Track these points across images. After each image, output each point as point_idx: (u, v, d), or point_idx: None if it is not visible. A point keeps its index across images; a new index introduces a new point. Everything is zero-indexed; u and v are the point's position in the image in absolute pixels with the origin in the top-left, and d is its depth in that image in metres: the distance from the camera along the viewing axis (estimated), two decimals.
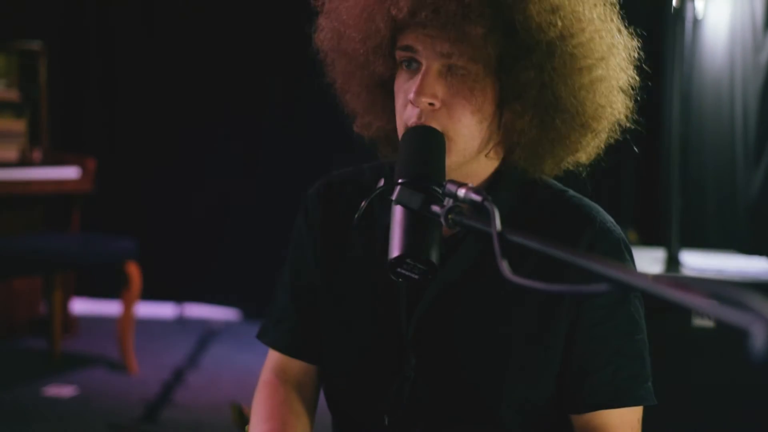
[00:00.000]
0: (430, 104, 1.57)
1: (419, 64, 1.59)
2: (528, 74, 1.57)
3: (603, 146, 1.70)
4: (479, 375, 1.67)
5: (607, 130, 1.67)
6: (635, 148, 1.74)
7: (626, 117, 1.67)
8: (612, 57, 1.62)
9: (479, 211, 1.35)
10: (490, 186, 1.68)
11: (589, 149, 1.69)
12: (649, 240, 4.42)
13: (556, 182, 1.76)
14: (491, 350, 1.66)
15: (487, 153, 1.65)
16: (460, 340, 1.68)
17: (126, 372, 5.36)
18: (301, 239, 1.85)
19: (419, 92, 1.56)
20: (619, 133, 1.69)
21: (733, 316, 0.95)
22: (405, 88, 1.61)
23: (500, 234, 1.26)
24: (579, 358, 1.66)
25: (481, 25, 1.52)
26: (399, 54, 1.61)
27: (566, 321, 1.65)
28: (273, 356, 1.90)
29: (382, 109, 1.72)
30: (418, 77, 1.58)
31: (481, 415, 1.68)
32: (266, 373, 1.89)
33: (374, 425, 1.72)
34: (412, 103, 1.57)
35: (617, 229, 1.70)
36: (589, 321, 1.65)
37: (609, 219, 1.71)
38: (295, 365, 1.87)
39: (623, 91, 1.66)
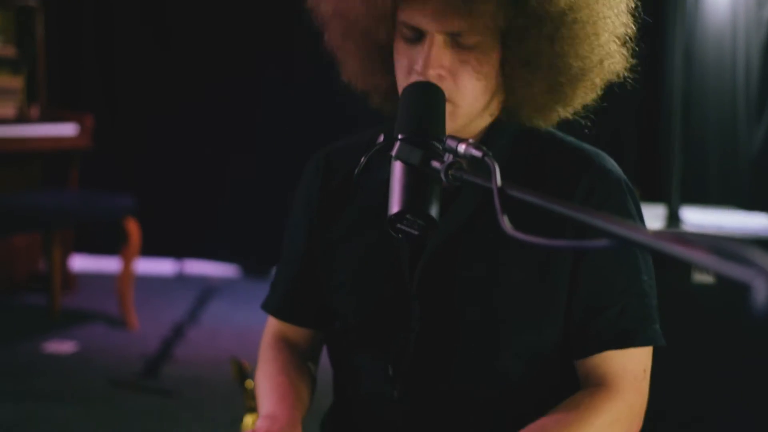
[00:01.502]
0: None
1: (424, 33, 1.58)
2: (537, 44, 1.58)
3: (600, 92, 1.70)
4: (482, 323, 1.67)
5: (606, 80, 1.68)
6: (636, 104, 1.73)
7: (627, 71, 1.67)
8: (614, 15, 1.62)
9: (479, 165, 1.34)
10: (487, 136, 1.67)
11: (587, 99, 1.69)
12: (649, 196, 4.41)
13: (552, 129, 1.75)
14: (493, 298, 1.66)
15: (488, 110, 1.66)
16: (462, 289, 1.68)
17: (126, 328, 5.38)
18: (298, 208, 1.86)
19: (427, 65, 1.57)
20: (619, 89, 1.69)
21: (734, 271, 0.95)
22: (409, 57, 1.61)
23: (501, 189, 1.25)
24: (583, 299, 1.65)
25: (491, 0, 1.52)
26: (404, 31, 1.60)
27: (569, 264, 1.64)
28: (272, 323, 1.92)
29: (380, 69, 1.72)
30: (424, 48, 1.57)
31: (485, 364, 1.68)
32: (267, 337, 1.91)
33: (379, 377, 1.73)
34: (418, 74, 1.57)
35: (618, 170, 1.70)
36: (592, 263, 1.64)
37: (609, 160, 1.70)
38: (294, 331, 1.89)
39: (624, 46, 1.66)
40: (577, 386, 1.69)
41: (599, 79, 1.67)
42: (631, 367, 1.65)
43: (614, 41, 1.65)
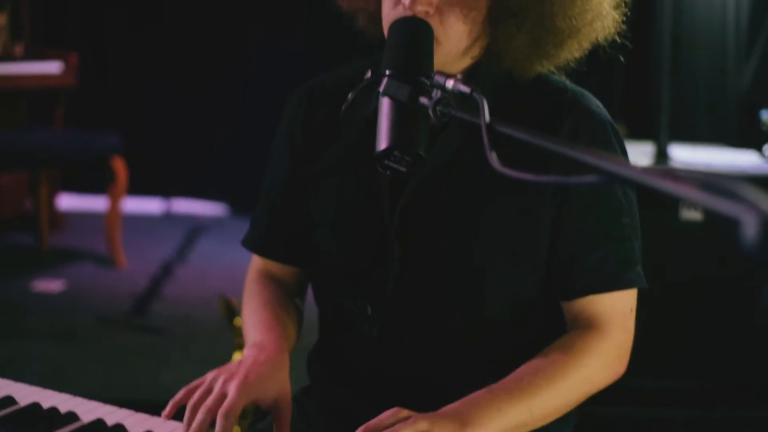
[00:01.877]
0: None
1: None
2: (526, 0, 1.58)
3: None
4: (464, 264, 1.67)
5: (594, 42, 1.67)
6: (626, 43, 1.72)
7: (616, 22, 1.66)
8: None
9: (466, 102, 1.34)
10: (468, 77, 1.66)
11: (571, 57, 1.68)
12: (638, 134, 4.40)
13: None
14: (475, 237, 1.66)
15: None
16: (444, 229, 1.67)
17: (114, 267, 5.38)
18: (280, 144, 1.84)
19: (415, 0, 1.54)
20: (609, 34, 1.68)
21: (723, 206, 0.94)
22: None
23: (489, 125, 1.25)
24: (566, 243, 1.65)
25: None
26: None
27: (552, 207, 1.64)
28: (256, 261, 1.91)
29: None
30: None
31: (466, 306, 1.68)
32: (252, 274, 1.90)
33: (359, 317, 1.73)
34: (405, 7, 1.55)
35: (603, 111, 1.69)
36: (574, 206, 1.64)
37: (594, 102, 1.69)
38: (278, 268, 1.88)
39: (617, 9, 1.66)
40: (558, 328, 1.69)
41: (587, 42, 1.66)
42: (618, 308, 1.67)
43: (606, 2, 1.64)
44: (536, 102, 1.68)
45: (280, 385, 1.57)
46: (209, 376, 1.55)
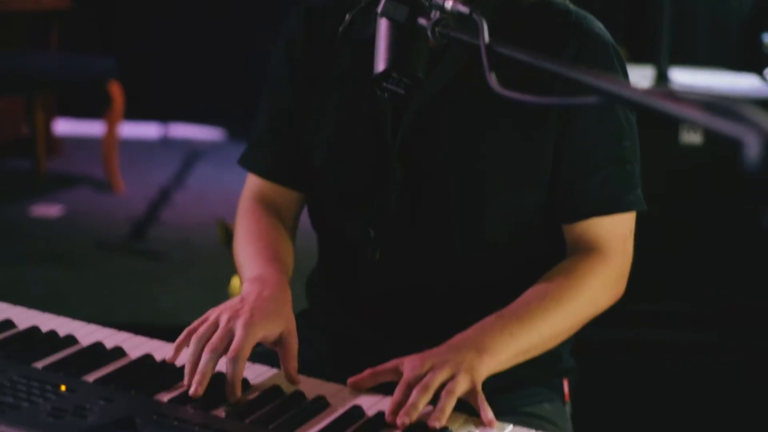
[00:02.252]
0: None
1: None
2: None
3: None
4: (466, 186, 1.66)
5: None
6: None
7: None
8: None
9: (466, 23, 1.32)
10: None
11: None
12: (638, 57, 4.37)
13: None
14: (477, 160, 1.65)
15: None
16: (445, 150, 1.66)
17: (112, 191, 5.37)
18: (280, 63, 1.80)
19: None
20: None
21: (726, 126, 0.93)
22: None
23: (488, 46, 1.23)
24: (568, 166, 1.65)
25: None
26: None
27: (554, 129, 1.63)
28: (252, 182, 1.87)
29: None
30: None
31: (468, 226, 1.68)
32: (246, 200, 1.86)
33: (361, 239, 1.72)
34: None
35: (606, 34, 1.67)
36: (576, 129, 1.64)
37: (597, 24, 1.67)
38: (274, 190, 1.85)
39: None
40: (558, 251, 1.70)
41: None
42: (618, 231, 1.67)
43: None
44: (538, 24, 1.66)
45: (285, 320, 1.53)
46: (212, 313, 1.50)
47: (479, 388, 1.45)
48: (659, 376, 3.39)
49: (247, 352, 1.43)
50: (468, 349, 1.50)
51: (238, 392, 1.39)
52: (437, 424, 1.36)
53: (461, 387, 1.43)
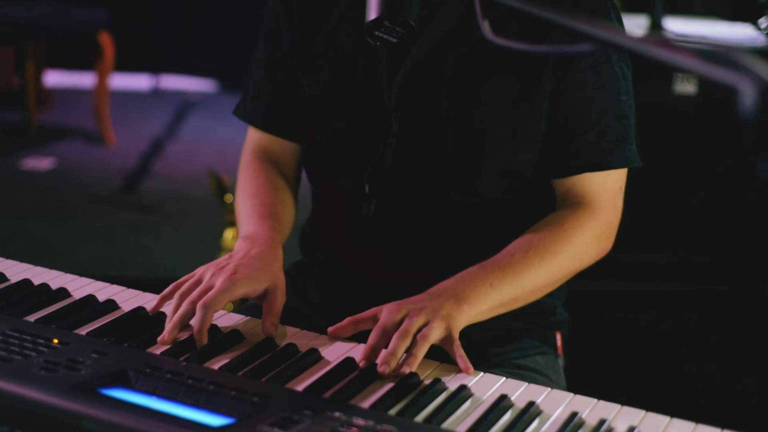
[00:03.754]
0: None
1: None
2: None
3: None
4: (461, 140, 1.65)
5: None
6: None
7: None
8: None
9: None
10: None
11: None
12: (631, 7, 4.34)
13: None
14: (473, 113, 1.64)
15: None
16: (442, 104, 1.65)
17: (103, 144, 5.35)
18: (277, 13, 1.78)
19: None
20: None
21: (721, 74, 0.92)
22: None
23: None
24: (563, 120, 1.64)
25: None
26: None
27: (550, 83, 1.62)
28: (252, 135, 1.86)
29: None
30: None
31: (462, 180, 1.67)
32: (247, 154, 1.85)
33: (355, 193, 1.72)
34: None
35: None
36: (573, 83, 1.62)
37: None
38: (275, 143, 1.84)
39: None
40: (553, 204, 1.69)
41: None
42: (609, 186, 1.66)
43: None
44: None
45: (271, 277, 1.54)
46: (200, 270, 1.54)
47: (455, 335, 1.45)
48: (651, 329, 3.41)
49: (220, 304, 1.46)
50: (447, 297, 1.50)
51: (204, 339, 1.41)
52: (407, 370, 1.36)
53: (436, 333, 1.43)
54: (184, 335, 1.43)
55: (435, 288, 1.53)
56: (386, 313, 1.45)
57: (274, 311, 1.51)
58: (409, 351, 1.40)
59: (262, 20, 1.82)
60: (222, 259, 1.57)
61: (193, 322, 1.42)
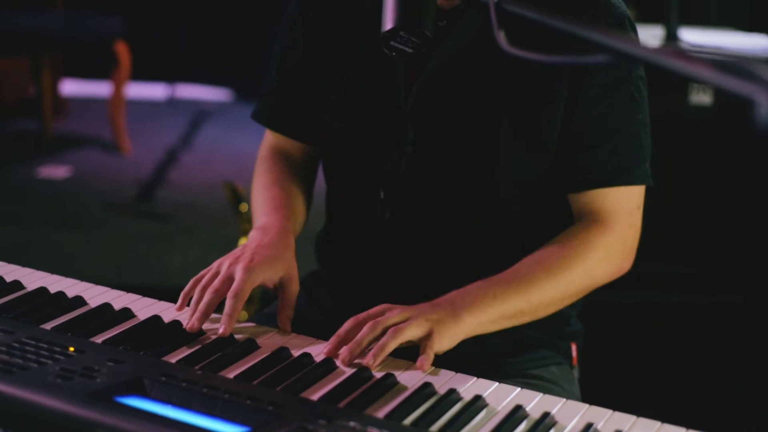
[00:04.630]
0: None
1: None
2: None
3: None
4: (476, 149, 1.66)
5: None
6: None
7: None
8: None
9: None
10: None
11: None
12: (647, 17, 4.34)
13: None
14: (489, 124, 1.64)
15: None
16: (458, 113, 1.66)
17: (119, 152, 5.36)
18: (293, 17, 1.79)
19: None
20: None
21: (737, 84, 0.92)
22: None
23: (497, 4, 1.22)
24: (577, 135, 1.64)
25: None
26: None
27: (565, 96, 1.62)
28: (268, 137, 1.90)
29: None
30: None
31: (476, 189, 1.68)
32: (263, 150, 1.90)
33: (370, 200, 1.72)
34: None
35: (622, 5, 1.66)
36: (588, 98, 1.62)
37: None
38: (290, 145, 1.87)
39: None
40: (565, 221, 1.69)
41: None
42: (624, 204, 1.66)
43: None
44: None
45: (285, 265, 1.59)
46: (215, 263, 1.58)
47: (437, 340, 1.45)
48: (667, 340, 3.40)
49: (247, 291, 1.51)
50: (443, 305, 1.51)
51: (232, 326, 1.46)
52: (369, 360, 1.38)
53: (412, 330, 1.44)
54: (197, 345, 1.44)
55: (438, 299, 1.54)
56: (371, 309, 1.48)
57: (289, 304, 1.57)
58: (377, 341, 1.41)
59: (280, 24, 1.83)
60: (236, 250, 1.61)
61: (224, 309, 1.47)
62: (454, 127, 1.66)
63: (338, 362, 1.40)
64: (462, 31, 1.63)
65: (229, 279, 1.52)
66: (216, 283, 1.52)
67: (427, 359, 1.42)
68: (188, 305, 1.54)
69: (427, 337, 1.45)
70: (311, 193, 1.88)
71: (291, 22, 1.80)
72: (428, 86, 1.65)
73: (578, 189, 1.66)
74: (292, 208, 1.76)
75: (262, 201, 1.78)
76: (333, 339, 1.43)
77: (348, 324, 1.45)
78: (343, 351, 1.39)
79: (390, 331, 1.42)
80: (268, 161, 1.86)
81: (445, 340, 1.47)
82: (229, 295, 1.49)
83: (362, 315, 1.47)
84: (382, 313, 1.47)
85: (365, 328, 1.43)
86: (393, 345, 1.41)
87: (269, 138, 1.89)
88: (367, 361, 1.38)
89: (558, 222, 1.69)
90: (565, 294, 1.63)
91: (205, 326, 1.49)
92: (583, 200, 1.67)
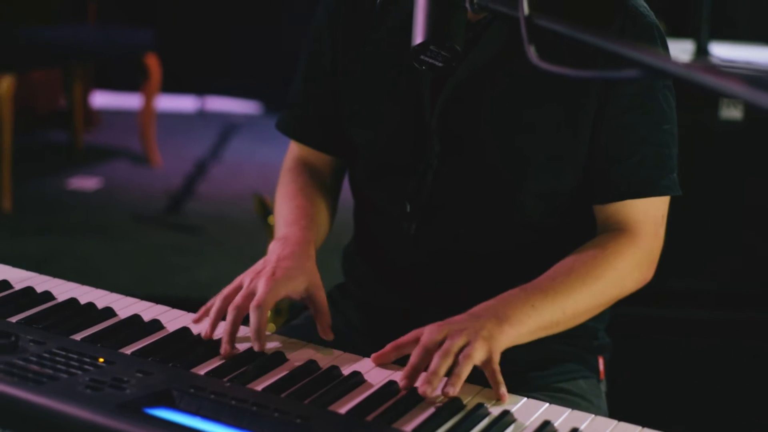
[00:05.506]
0: None
1: None
2: None
3: None
4: (503, 162, 1.65)
5: None
6: None
7: None
8: None
9: None
10: None
11: None
12: (677, 31, 4.32)
13: None
14: (516, 137, 1.64)
15: None
16: (485, 126, 1.65)
17: (148, 164, 5.40)
18: (320, 28, 1.80)
19: None
20: None
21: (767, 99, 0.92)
22: None
23: (527, 18, 1.22)
24: (605, 146, 1.64)
25: None
26: None
27: (593, 109, 1.62)
28: (293, 148, 1.90)
29: None
30: None
31: (503, 202, 1.67)
32: (287, 162, 1.89)
33: (396, 213, 1.72)
34: None
35: (651, 14, 1.65)
36: (616, 109, 1.62)
37: (642, 4, 1.65)
38: (313, 155, 1.86)
39: None
40: (590, 232, 1.69)
41: None
42: (651, 214, 1.66)
43: None
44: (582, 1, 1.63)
45: (308, 274, 1.59)
46: (238, 279, 1.57)
47: (495, 358, 1.44)
48: (694, 355, 3.37)
49: (270, 304, 1.50)
50: (488, 317, 1.49)
51: (263, 340, 1.45)
52: (451, 391, 1.36)
53: (478, 354, 1.42)
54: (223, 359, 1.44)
55: (476, 308, 1.52)
56: (427, 333, 1.45)
57: (322, 310, 1.57)
58: (451, 371, 1.39)
59: (307, 35, 1.84)
60: (257, 264, 1.60)
61: (251, 324, 1.46)
62: (479, 140, 1.66)
63: (420, 391, 1.36)
64: (488, 44, 1.64)
65: (251, 294, 1.52)
66: (238, 299, 1.51)
67: (500, 384, 1.40)
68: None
69: (488, 358, 1.44)
70: (335, 205, 1.88)
71: (318, 35, 1.80)
72: (454, 98, 1.65)
73: (607, 200, 1.66)
74: (313, 218, 1.76)
75: (285, 211, 1.78)
76: (407, 370, 1.40)
77: (416, 353, 1.42)
78: (424, 385, 1.36)
79: (461, 359, 1.40)
80: (293, 172, 1.86)
81: (498, 355, 1.46)
82: (252, 306, 1.48)
83: (425, 340, 1.43)
84: (439, 334, 1.44)
85: (437, 359, 1.39)
86: (467, 373, 1.40)
87: (294, 149, 1.89)
88: (446, 392, 1.36)
89: (582, 233, 1.68)
90: (597, 304, 1.62)
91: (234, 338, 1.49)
92: (610, 211, 1.66)
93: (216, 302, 1.53)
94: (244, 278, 1.56)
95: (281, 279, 1.54)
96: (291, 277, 1.56)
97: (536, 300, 1.55)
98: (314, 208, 1.78)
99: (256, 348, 1.45)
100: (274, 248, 1.64)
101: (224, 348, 1.45)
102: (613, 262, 1.61)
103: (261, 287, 1.51)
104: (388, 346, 1.48)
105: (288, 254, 1.60)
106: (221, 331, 1.48)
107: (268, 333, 1.54)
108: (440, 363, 1.39)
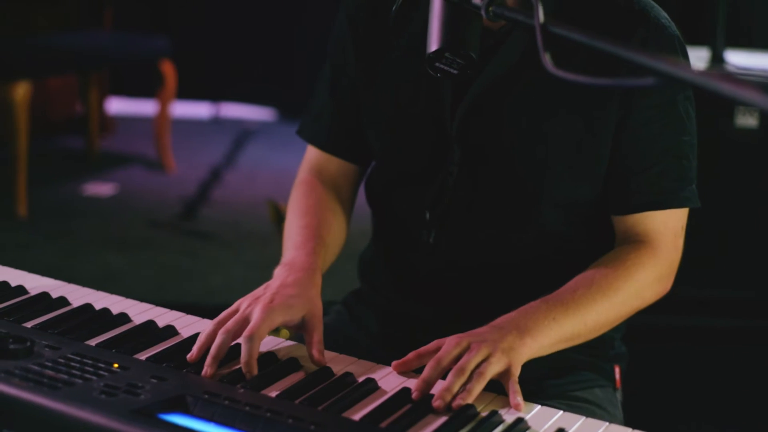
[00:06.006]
0: None
1: None
2: None
3: None
4: (523, 171, 1.65)
5: None
6: None
7: None
8: None
9: (523, 3, 1.30)
10: None
11: None
12: (693, 39, 4.31)
13: None
14: (536, 147, 1.64)
15: None
16: (505, 135, 1.65)
17: (163, 171, 5.41)
18: (342, 35, 1.79)
19: None
20: None
21: None
22: None
23: (543, 26, 1.21)
24: (625, 158, 1.63)
25: None
26: None
27: (614, 120, 1.62)
28: (311, 154, 1.88)
29: None
30: None
31: (522, 212, 1.67)
32: (303, 173, 1.87)
33: (415, 221, 1.72)
34: None
35: (672, 25, 1.65)
36: (636, 120, 1.61)
37: (664, 15, 1.65)
38: (333, 164, 1.85)
39: None
40: (609, 242, 1.68)
41: None
42: (670, 225, 1.66)
43: None
44: (604, 10, 1.63)
45: (309, 304, 1.54)
46: (237, 303, 1.53)
47: (515, 370, 1.44)
48: (711, 364, 3.36)
49: (263, 334, 1.45)
50: (509, 329, 1.48)
51: (254, 370, 1.40)
52: (460, 403, 1.35)
53: (494, 368, 1.41)
54: (239, 364, 1.43)
55: (498, 320, 1.52)
56: (446, 346, 1.44)
57: (315, 340, 1.50)
58: (464, 386, 1.39)
59: (328, 45, 1.83)
60: (258, 289, 1.56)
61: (242, 354, 1.42)
62: (499, 149, 1.66)
63: (434, 406, 1.35)
64: (508, 52, 1.63)
65: (244, 320, 1.47)
66: (230, 323, 1.46)
67: (518, 395, 1.40)
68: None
69: (507, 370, 1.44)
70: (349, 218, 1.86)
71: (342, 45, 1.80)
72: (474, 106, 1.65)
73: (627, 211, 1.66)
74: (323, 240, 1.72)
75: (294, 230, 1.74)
76: (419, 383, 1.39)
77: (430, 366, 1.41)
78: (437, 401, 1.35)
79: (475, 376, 1.39)
80: (307, 185, 1.84)
81: (518, 368, 1.46)
82: (244, 336, 1.43)
83: (441, 353, 1.43)
84: (458, 348, 1.43)
85: (452, 376, 1.39)
86: (478, 390, 1.39)
87: (311, 157, 1.88)
88: (454, 405, 1.35)
89: (601, 243, 1.68)
90: (617, 316, 1.62)
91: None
92: (630, 222, 1.66)
93: (209, 326, 1.48)
94: (242, 303, 1.51)
95: (278, 307, 1.50)
96: (289, 305, 1.51)
97: (557, 312, 1.54)
98: (325, 227, 1.76)
99: (247, 377, 1.40)
100: (278, 274, 1.61)
101: (205, 371, 1.40)
102: (633, 274, 1.61)
103: (256, 315, 1.47)
104: (410, 355, 1.47)
105: (291, 282, 1.57)
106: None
107: (282, 339, 1.54)
108: (454, 380, 1.38)
